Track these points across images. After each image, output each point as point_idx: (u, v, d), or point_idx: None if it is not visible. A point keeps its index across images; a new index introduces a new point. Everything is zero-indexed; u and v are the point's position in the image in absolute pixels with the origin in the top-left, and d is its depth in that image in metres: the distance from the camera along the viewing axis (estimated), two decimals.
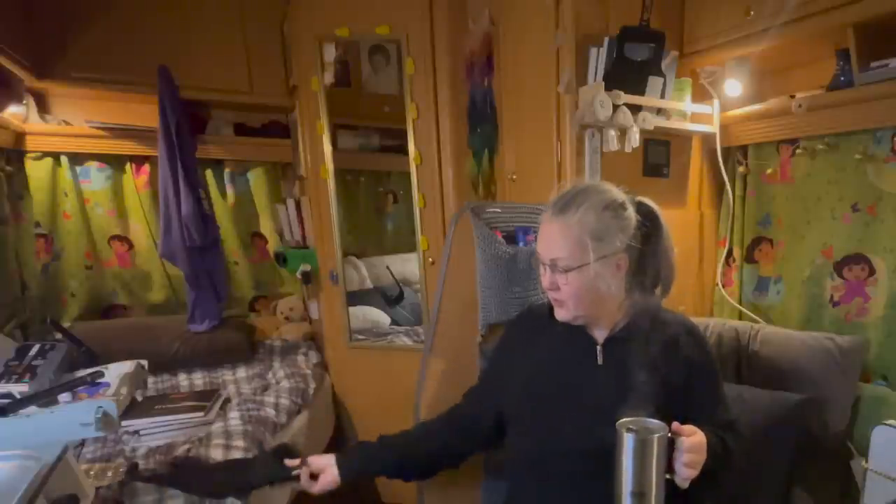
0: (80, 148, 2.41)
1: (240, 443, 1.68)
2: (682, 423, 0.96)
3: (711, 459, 0.98)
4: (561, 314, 1.10)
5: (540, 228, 1.10)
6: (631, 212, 1.06)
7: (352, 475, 1.19)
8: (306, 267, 2.57)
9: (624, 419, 0.93)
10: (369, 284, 2.72)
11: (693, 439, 0.95)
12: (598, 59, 1.58)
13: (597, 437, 1.01)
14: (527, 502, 1.14)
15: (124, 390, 1.66)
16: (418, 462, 1.24)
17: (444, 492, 1.55)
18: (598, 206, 1.04)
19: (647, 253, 1.09)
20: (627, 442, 0.90)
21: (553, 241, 1.05)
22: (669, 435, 0.92)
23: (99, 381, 1.36)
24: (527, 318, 1.27)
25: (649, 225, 1.08)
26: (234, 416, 1.85)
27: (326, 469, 1.19)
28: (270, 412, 1.98)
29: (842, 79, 1.49)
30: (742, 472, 1.13)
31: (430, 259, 2.32)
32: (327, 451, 2.42)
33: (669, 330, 1.12)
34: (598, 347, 1.11)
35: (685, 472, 0.93)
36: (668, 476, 0.94)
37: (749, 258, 1.89)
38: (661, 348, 1.09)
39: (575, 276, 1.03)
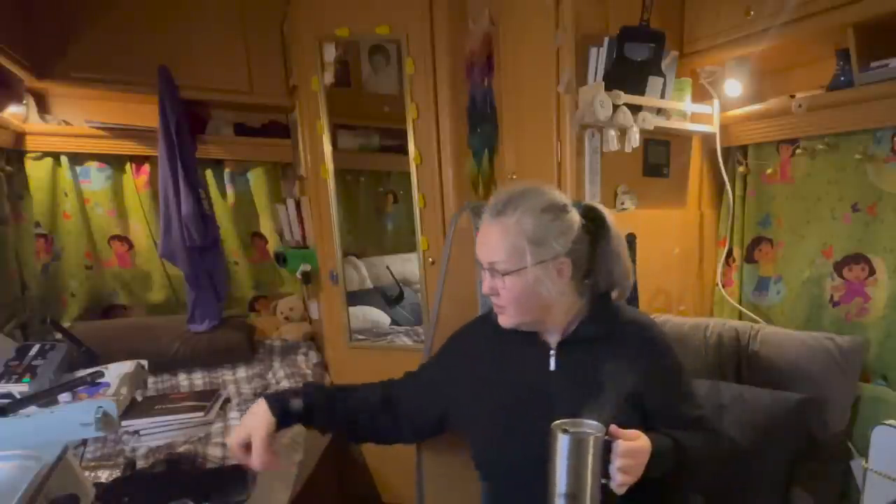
0: (80, 148, 2.41)
1: None
2: (644, 424, 0.94)
3: (658, 465, 0.94)
4: (503, 320, 1.07)
5: (480, 230, 1.07)
6: (573, 215, 1.04)
7: (287, 415, 1.11)
8: (306, 267, 2.57)
9: (560, 420, 0.91)
10: (369, 284, 2.72)
11: (630, 444, 0.91)
12: (598, 59, 1.58)
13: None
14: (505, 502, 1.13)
15: (124, 390, 1.66)
16: (350, 428, 1.21)
17: (444, 491, 1.55)
18: (536, 208, 1.01)
19: (596, 256, 1.07)
20: (561, 442, 0.88)
21: (490, 243, 1.03)
22: (606, 437, 0.90)
23: (99, 381, 1.36)
24: (481, 324, 1.23)
25: (595, 229, 1.06)
26: (234, 416, 1.85)
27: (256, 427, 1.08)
28: None
29: (842, 79, 1.49)
30: (723, 462, 1.10)
31: (430, 259, 2.32)
32: (327, 450, 2.44)
33: (627, 331, 1.09)
34: (552, 352, 1.08)
35: (619, 478, 0.89)
36: (604, 481, 0.90)
37: (749, 258, 1.89)
38: (618, 350, 1.06)
39: (513, 281, 1.01)
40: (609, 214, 1.09)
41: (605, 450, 0.90)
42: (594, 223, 1.07)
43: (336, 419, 1.17)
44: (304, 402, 1.11)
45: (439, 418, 1.19)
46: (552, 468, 0.89)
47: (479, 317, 1.29)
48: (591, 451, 0.88)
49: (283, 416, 1.09)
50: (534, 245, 0.99)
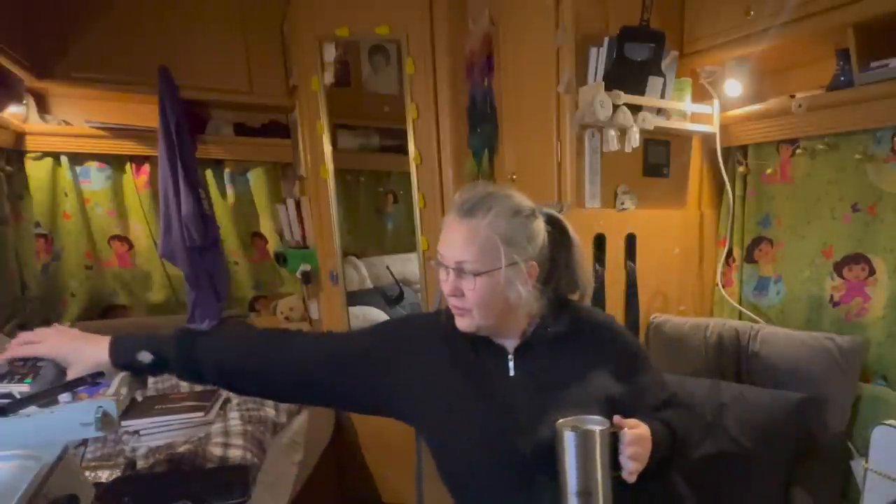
0: (80, 148, 2.41)
1: (239, 442, 1.68)
2: (614, 415, 0.94)
3: (660, 448, 0.96)
4: (463, 324, 1.02)
5: (443, 229, 1.02)
6: (539, 221, 1.03)
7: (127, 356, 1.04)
8: (306, 267, 2.57)
9: (563, 419, 0.90)
10: (369, 284, 2.72)
11: (635, 431, 0.92)
12: (598, 59, 1.58)
13: (517, 451, 0.97)
14: None
15: (124, 390, 1.65)
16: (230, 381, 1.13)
17: (444, 491, 1.55)
18: (508, 211, 0.99)
19: (559, 262, 1.07)
20: (568, 440, 0.87)
21: (460, 243, 0.98)
22: (612, 429, 0.90)
23: (99, 380, 1.36)
24: (431, 323, 1.14)
25: (557, 235, 1.06)
26: (233, 416, 1.85)
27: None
28: (270, 412, 1.98)
29: (842, 79, 1.49)
30: (698, 441, 1.11)
31: (430, 259, 2.31)
32: (327, 451, 2.44)
33: (585, 329, 1.08)
34: (510, 357, 1.05)
35: (631, 466, 0.90)
36: (614, 473, 0.91)
37: (749, 258, 1.89)
38: (579, 348, 1.05)
39: (483, 282, 0.97)
40: (568, 223, 1.09)
41: (611, 442, 0.90)
42: (556, 229, 1.07)
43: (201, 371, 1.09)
44: (153, 357, 1.05)
45: (371, 405, 1.13)
46: (561, 468, 0.89)
47: (428, 314, 1.22)
48: (598, 444, 0.88)
49: (127, 367, 1.05)
50: (507, 246, 0.97)
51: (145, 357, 1.05)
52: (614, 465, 0.91)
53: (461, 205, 1.00)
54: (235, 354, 1.10)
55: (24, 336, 1.06)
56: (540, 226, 1.03)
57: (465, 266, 0.97)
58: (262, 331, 1.17)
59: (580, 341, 1.06)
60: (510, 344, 1.06)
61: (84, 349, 1.05)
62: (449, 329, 1.06)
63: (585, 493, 0.88)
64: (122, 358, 1.05)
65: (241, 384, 1.13)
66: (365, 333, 1.20)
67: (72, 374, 1.01)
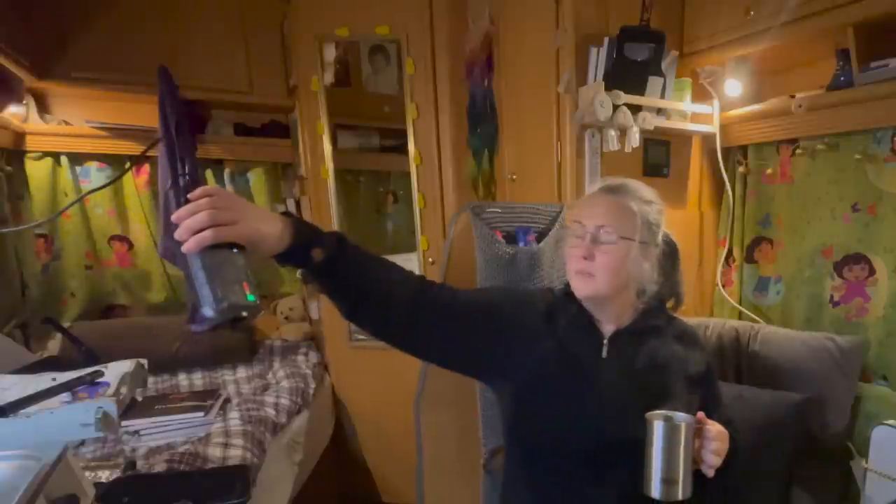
0: (80, 148, 2.42)
1: (239, 442, 1.68)
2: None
3: (728, 452, 1.01)
4: (586, 287, 1.07)
5: (584, 202, 1.13)
6: (663, 226, 1.12)
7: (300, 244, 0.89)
8: None
9: (652, 412, 0.96)
10: None
11: (718, 427, 0.99)
12: (598, 59, 1.58)
13: (599, 430, 1.02)
14: (521, 493, 1.13)
15: (124, 390, 1.65)
16: (370, 301, 1.07)
17: (444, 491, 1.56)
18: (646, 197, 1.09)
19: (668, 266, 1.14)
20: (657, 429, 0.93)
21: (605, 210, 1.07)
22: (697, 424, 0.96)
23: (98, 380, 1.36)
24: (544, 297, 1.20)
25: (670, 245, 1.15)
26: (234, 416, 1.85)
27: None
28: (270, 412, 1.98)
29: (842, 79, 1.49)
30: (740, 469, 1.14)
31: (430, 259, 2.32)
32: (327, 452, 2.44)
33: (676, 329, 1.16)
34: (605, 341, 1.11)
35: (712, 460, 0.96)
36: (694, 467, 0.96)
37: (749, 258, 1.89)
38: (668, 345, 1.11)
39: (617, 248, 1.04)
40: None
41: (694, 437, 0.95)
42: (668, 243, 1.15)
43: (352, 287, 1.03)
44: (326, 255, 0.93)
45: (473, 354, 1.13)
46: (647, 456, 0.94)
47: (542, 289, 1.31)
48: (683, 436, 0.93)
49: (293, 255, 0.90)
50: (644, 225, 1.06)
51: (317, 255, 0.92)
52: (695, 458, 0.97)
53: (606, 186, 1.11)
54: (390, 276, 1.08)
55: (214, 198, 0.80)
56: (663, 222, 1.12)
57: (604, 230, 1.05)
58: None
59: (670, 340, 1.13)
60: (608, 329, 1.12)
61: (265, 230, 0.85)
62: (558, 305, 1.15)
63: (670, 481, 0.93)
64: (301, 247, 0.90)
65: (373, 311, 1.09)
66: (493, 292, 1.28)
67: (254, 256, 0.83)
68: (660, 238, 1.10)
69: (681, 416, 0.95)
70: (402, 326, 1.11)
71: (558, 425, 1.07)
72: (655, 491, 0.93)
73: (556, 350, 1.11)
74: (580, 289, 1.09)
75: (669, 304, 1.20)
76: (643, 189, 1.11)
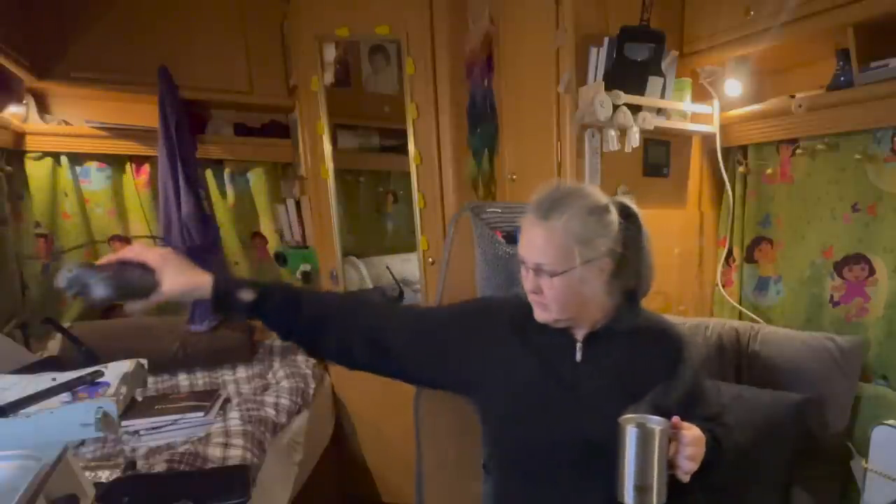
0: (80, 148, 2.41)
1: (239, 442, 1.68)
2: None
3: (707, 453, 0.99)
4: (542, 316, 1.08)
5: (522, 230, 1.08)
6: (613, 215, 1.06)
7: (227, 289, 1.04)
8: (306, 267, 2.58)
9: (625, 416, 0.94)
10: (369, 284, 2.71)
11: (693, 433, 0.96)
12: (598, 59, 1.58)
13: (577, 432, 1.02)
14: (513, 498, 1.13)
15: (124, 390, 1.65)
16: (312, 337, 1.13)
17: (444, 491, 1.56)
18: (583, 211, 1.03)
19: (629, 255, 1.09)
20: (630, 435, 0.91)
21: (538, 245, 1.03)
22: (671, 429, 0.93)
23: (98, 380, 1.36)
24: (511, 305, 1.20)
25: (631, 227, 1.09)
26: (234, 416, 1.85)
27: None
28: (270, 412, 1.98)
29: (842, 79, 1.49)
30: (733, 462, 1.13)
31: (430, 259, 2.32)
32: (327, 452, 2.44)
33: (652, 328, 1.13)
34: (578, 344, 1.10)
35: (687, 465, 0.94)
36: (669, 472, 0.94)
37: (749, 258, 1.89)
38: (642, 346, 1.10)
39: (560, 281, 1.02)
40: (639, 210, 1.11)
41: (669, 442, 0.93)
42: (629, 220, 1.09)
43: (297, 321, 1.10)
44: (255, 296, 1.04)
45: (452, 383, 1.18)
46: (620, 462, 0.92)
47: (507, 297, 1.29)
48: (657, 442, 0.91)
49: (223, 299, 1.03)
50: (581, 246, 1.01)
51: (247, 295, 1.03)
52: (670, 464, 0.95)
53: (538, 206, 1.04)
54: (335, 311, 1.14)
55: (134, 248, 1.05)
56: (613, 218, 1.06)
57: (543, 267, 1.03)
58: (353, 295, 1.20)
59: (645, 340, 1.11)
60: (580, 332, 1.11)
61: (189, 270, 1.03)
62: (524, 312, 1.11)
63: (643, 488, 0.91)
64: (223, 286, 1.03)
65: (326, 343, 1.14)
66: (447, 309, 1.30)
67: (166, 287, 0.99)
68: (609, 241, 1.04)
69: (655, 421, 0.92)
70: (368, 362, 1.16)
71: (539, 434, 1.06)
72: (629, 498, 0.91)
73: (527, 357, 1.10)
74: (539, 316, 1.08)
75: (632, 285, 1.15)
76: (580, 198, 1.04)
